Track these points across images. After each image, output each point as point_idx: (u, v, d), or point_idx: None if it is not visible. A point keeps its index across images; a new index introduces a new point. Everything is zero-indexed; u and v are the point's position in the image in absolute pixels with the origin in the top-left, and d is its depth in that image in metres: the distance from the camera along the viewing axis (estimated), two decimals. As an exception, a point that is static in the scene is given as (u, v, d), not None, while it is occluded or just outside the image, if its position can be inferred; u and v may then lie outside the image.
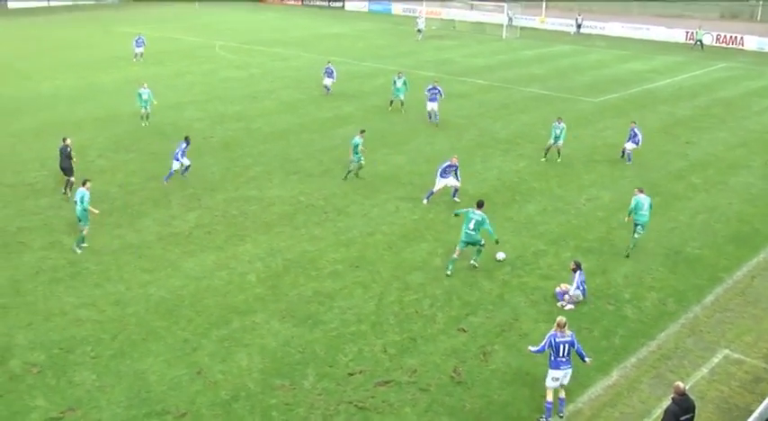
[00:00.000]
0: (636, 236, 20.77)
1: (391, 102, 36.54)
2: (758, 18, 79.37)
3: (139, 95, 32.75)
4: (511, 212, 23.60)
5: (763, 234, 22.54)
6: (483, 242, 19.46)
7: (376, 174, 26.98)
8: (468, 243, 19.29)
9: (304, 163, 28.16)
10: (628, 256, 20.65)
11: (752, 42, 61.31)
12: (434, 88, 33.89)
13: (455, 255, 19.37)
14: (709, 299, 18.64)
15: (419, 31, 63.49)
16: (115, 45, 55.51)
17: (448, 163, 24.12)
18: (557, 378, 13.75)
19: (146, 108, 32.75)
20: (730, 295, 18.85)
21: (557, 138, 28.58)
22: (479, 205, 19.50)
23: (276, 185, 25.72)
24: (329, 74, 39.78)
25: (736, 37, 62.20)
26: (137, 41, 49.82)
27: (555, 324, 13.82)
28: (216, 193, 24.90)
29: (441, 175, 24.04)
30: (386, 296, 18.40)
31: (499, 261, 20.09)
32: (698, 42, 61.44)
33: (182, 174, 26.05)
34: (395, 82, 36.27)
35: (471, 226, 19.14)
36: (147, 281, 18.98)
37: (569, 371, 13.81)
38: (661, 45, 63.07)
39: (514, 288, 18.87)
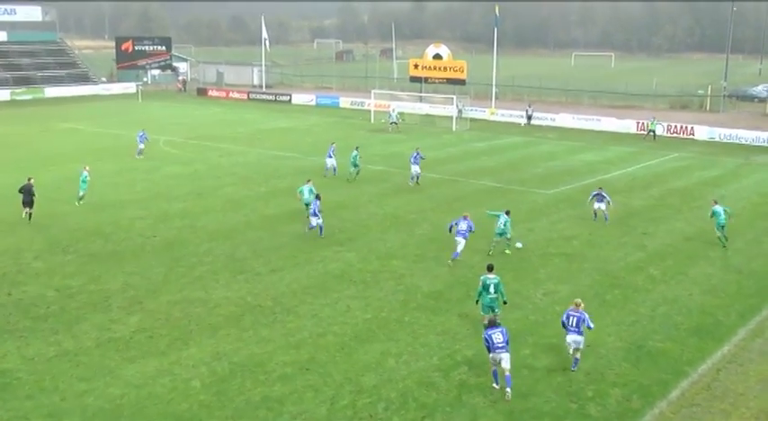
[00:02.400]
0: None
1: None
2: (707, 108, 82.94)
3: (83, 180, 36.12)
4: (465, 308, 23.69)
5: (726, 325, 22.96)
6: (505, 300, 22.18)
7: (326, 271, 27.02)
8: (491, 308, 21.68)
9: (251, 262, 28.12)
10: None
11: (702, 132, 63.79)
12: (417, 154, 42.58)
13: (485, 321, 20.76)
14: (674, 394, 18.78)
15: (393, 123, 65.31)
16: (54, 142, 55.51)
17: (461, 219, 28.67)
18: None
19: (84, 190, 36.24)
20: (696, 389, 19.02)
21: (502, 232, 29.26)
22: (490, 269, 22.01)
23: (222, 286, 25.56)
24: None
25: (686, 127, 64.72)
26: (140, 137, 50.36)
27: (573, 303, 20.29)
28: (159, 295, 24.62)
29: (458, 235, 28.29)
30: (338, 400, 18.17)
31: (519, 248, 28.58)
32: (650, 132, 63.72)
33: (319, 233, 31.32)
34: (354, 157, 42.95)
35: (492, 291, 21.65)
36: (84, 390, 18.49)
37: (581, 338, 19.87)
38: (612, 136, 65.27)
39: (472, 388, 18.80)
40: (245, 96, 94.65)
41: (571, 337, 20.00)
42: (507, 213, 29.73)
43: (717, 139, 62.58)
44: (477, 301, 22.31)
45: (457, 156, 52.71)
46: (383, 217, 35.13)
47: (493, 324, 18.80)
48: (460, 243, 28.03)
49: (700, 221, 35.22)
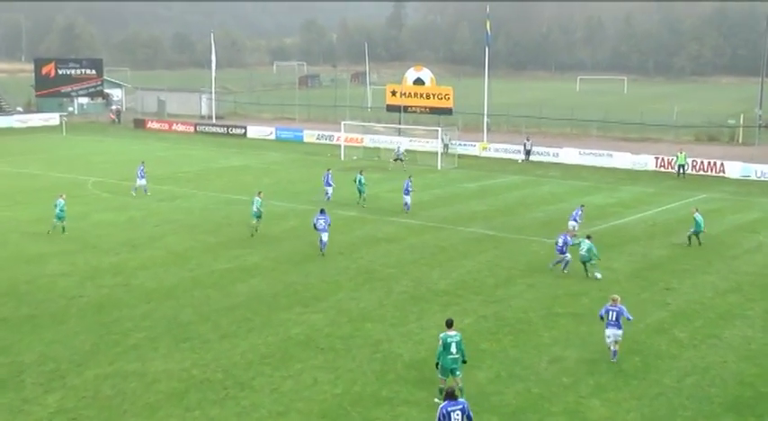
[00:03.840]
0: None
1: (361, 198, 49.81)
2: (739, 140, 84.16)
3: (55, 207, 40.99)
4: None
5: (768, 398, 23.08)
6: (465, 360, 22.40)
7: (288, 337, 26.85)
8: (452, 371, 21.85)
9: (198, 326, 27.88)
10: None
11: (734, 169, 64.67)
12: (408, 182, 48.45)
13: (442, 385, 21.50)
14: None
15: (399, 160, 66.38)
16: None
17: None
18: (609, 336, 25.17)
19: (61, 221, 40.99)
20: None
21: (587, 259, 33.47)
22: (450, 325, 22.21)
23: (162, 356, 25.28)
24: (327, 182, 50.56)
25: (715, 163, 65.59)
26: (140, 172, 51.93)
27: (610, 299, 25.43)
28: (85, 369, 24.28)
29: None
30: (304, 495, 17.91)
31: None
32: (680, 168, 64.45)
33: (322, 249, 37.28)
34: (357, 180, 50.38)
35: (454, 350, 21.79)
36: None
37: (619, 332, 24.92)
38: (627, 173, 66.00)
39: (467, 478, 18.62)
40: (191, 129, 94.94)
41: (611, 331, 25.25)
42: (589, 238, 34.41)
43: (752, 177, 63.47)
44: (436, 364, 22.31)
45: (443, 199, 52.94)
46: (356, 271, 35.09)
47: (452, 396, 18.12)
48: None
49: (734, 274, 35.47)
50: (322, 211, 38.66)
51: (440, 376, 22.15)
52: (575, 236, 36.61)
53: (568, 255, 35.10)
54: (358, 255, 37.78)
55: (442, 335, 22.18)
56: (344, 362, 24.85)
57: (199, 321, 28.47)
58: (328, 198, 50.31)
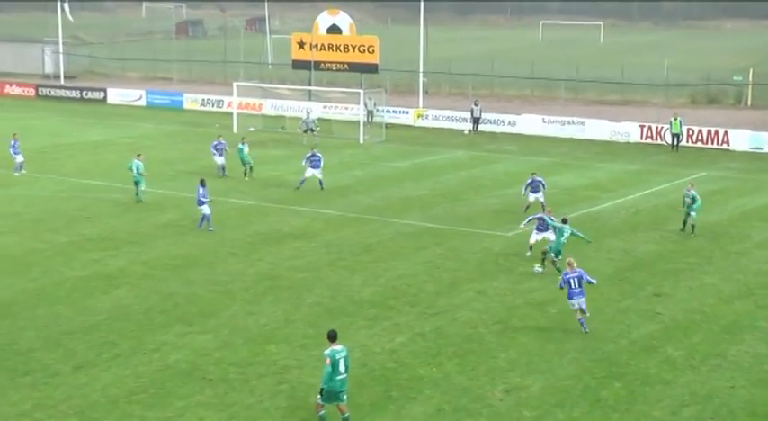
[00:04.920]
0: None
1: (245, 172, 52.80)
2: (748, 103, 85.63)
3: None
4: (385, 418, 23.66)
5: (787, 432, 23.51)
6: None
7: (165, 366, 26.62)
8: (339, 395, 22.40)
9: (43, 355, 27.48)
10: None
11: (741, 138, 65.87)
12: (314, 155, 50.10)
13: (321, 412, 22.34)
14: None
15: (309, 130, 66.04)
16: None
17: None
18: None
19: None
20: None
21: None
22: (333, 338, 22.61)
23: (-5, 394, 24.88)
24: (218, 151, 53.42)
25: (717, 132, 66.67)
26: (13, 147, 53.82)
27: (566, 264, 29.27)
28: None
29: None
30: None
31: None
32: (674, 138, 65.27)
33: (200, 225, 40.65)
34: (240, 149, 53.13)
35: (342, 369, 22.28)
36: None
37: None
38: (603, 146, 66.90)
39: None
40: (30, 92, 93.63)
41: (576, 300, 29.08)
42: (565, 222, 35.57)
43: (764, 149, 64.72)
44: (321, 391, 22.51)
45: (366, 182, 53.05)
46: (254, 277, 35.00)
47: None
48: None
49: (741, 274, 36.11)
50: (203, 184, 41.11)
51: (320, 401, 22.49)
52: (551, 218, 36.90)
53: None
54: (257, 257, 37.66)
55: (327, 351, 22.37)
56: (240, 396, 24.68)
57: (44, 348, 28.03)
58: (223, 171, 53.33)
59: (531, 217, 38.45)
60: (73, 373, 26.24)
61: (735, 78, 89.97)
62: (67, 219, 43.46)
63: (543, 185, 44.66)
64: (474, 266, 36.78)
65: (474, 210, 46.50)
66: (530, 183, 44.32)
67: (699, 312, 31.80)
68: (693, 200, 41.42)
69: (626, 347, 28.47)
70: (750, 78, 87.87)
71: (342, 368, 22.29)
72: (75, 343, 28.44)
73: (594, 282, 29.84)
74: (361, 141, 67.42)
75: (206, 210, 41.41)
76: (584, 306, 29.26)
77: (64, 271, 35.67)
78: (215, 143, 54.39)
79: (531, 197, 44.21)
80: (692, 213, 41.34)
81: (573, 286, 28.98)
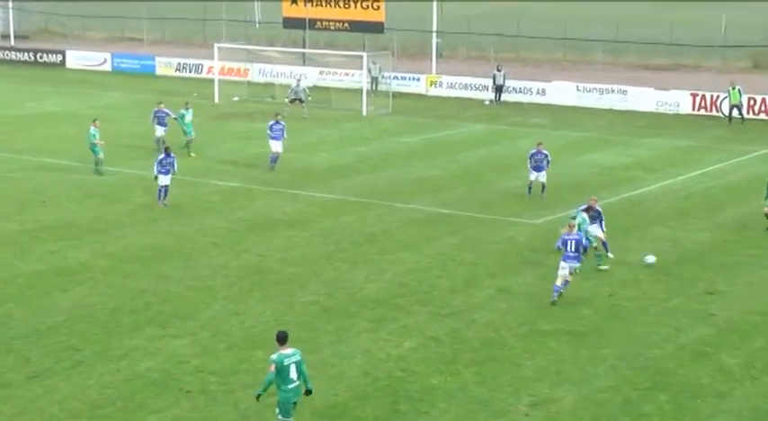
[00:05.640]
0: None
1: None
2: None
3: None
4: (392, 434, 23.84)
5: None
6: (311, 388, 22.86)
7: (135, 375, 26.63)
8: (292, 406, 22.30)
9: (-6, 361, 27.62)
10: None
11: (813, 110, 65.69)
12: (277, 124, 50.61)
13: None
14: None
15: (297, 100, 65.99)
16: None
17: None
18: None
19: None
20: None
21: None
22: (283, 340, 22.45)
23: (-62, 407, 25.03)
24: (160, 120, 53.39)
25: (783, 101, 66.53)
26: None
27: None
28: None
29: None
30: None
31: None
32: (733, 110, 65.12)
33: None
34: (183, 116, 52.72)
35: (294, 375, 22.21)
36: None
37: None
38: (649, 119, 66.84)
39: None
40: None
41: (568, 263, 31.85)
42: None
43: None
44: (258, 397, 22.49)
45: (371, 161, 53.17)
46: (239, 272, 35.10)
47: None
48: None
49: (810, 269, 36.19)
50: (168, 153, 42.95)
51: (281, 417, 22.41)
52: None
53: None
54: (242, 248, 37.78)
55: (274, 356, 22.24)
56: (222, 410, 24.73)
57: (-4, 353, 28.18)
58: (163, 143, 52.00)
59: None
60: (26, 384, 26.20)
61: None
62: (20, 204, 43.51)
63: (548, 162, 44.88)
64: (495, 259, 36.84)
65: (496, 193, 46.58)
66: (532, 156, 44.74)
67: (759, 313, 31.81)
68: None
69: (673, 354, 28.53)
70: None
71: (293, 374, 22.26)
72: (28, 348, 28.41)
73: (588, 245, 33.53)
74: (365, 113, 67.48)
75: (164, 180, 42.50)
76: (576, 271, 32.19)
77: (16, 264, 35.69)
78: (156, 111, 54.57)
79: (533, 175, 44.63)
80: None
81: (569, 249, 31.85)
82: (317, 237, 39.25)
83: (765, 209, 39.99)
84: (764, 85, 73.46)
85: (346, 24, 76.08)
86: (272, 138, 50.60)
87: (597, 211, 35.91)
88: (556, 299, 31.77)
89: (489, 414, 24.81)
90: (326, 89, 73.87)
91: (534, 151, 44.69)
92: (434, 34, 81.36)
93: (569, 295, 32.86)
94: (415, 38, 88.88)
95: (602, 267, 35.19)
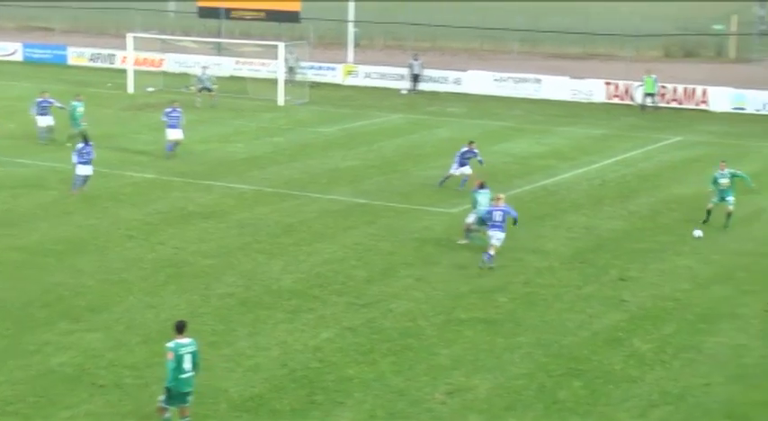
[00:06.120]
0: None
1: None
2: (730, 55, 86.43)
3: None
4: (315, 428, 23.82)
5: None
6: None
7: (48, 370, 26.33)
8: (185, 396, 22.42)
9: None
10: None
11: (722, 97, 66.70)
12: (174, 111, 50.56)
13: (166, 415, 22.55)
14: None
15: (205, 89, 66.11)
16: None
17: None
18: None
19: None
20: None
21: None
22: (180, 329, 22.57)
23: None
24: (42, 110, 52.83)
25: (694, 90, 67.49)
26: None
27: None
28: None
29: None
30: None
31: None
32: (647, 98, 65.92)
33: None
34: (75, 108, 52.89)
35: (189, 366, 22.33)
36: None
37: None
38: (564, 108, 67.42)
39: None
40: None
41: (495, 233, 34.25)
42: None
43: (747, 110, 65.56)
44: (167, 390, 22.48)
45: (287, 152, 53.15)
46: (154, 264, 34.90)
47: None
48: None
49: (720, 254, 36.66)
50: (86, 142, 42.98)
51: (163, 404, 22.54)
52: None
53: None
54: (157, 240, 37.59)
55: (171, 344, 22.43)
56: (137, 405, 24.49)
57: None
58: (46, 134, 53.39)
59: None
60: None
61: (715, 27, 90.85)
62: None
63: (480, 161, 45.17)
64: (412, 249, 36.96)
65: (412, 183, 46.75)
66: (463, 154, 44.77)
67: (671, 299, 32.22)
68: (732, 180, 39.93)
69: (587, 340, 28.78)
70: (733, 27, 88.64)
71: (188, 365, 22.35)
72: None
73: (517, 215, 34.96)
74: (281, 103, 67.35)
75: (85, 170, 42.63)
76: (501, 242, 34.16)
77: None
78: (39, 101, 53.60)
79: (457, 170, 44.57)
80: (729, 198, 39.58)
81: (495, 218, 34.29)
82: (233, 229, 39.16)
83: (709, 204, 39.97)
84: (676, 73, 74.38)
85: (262, 13, 76.00)
86: (169, 125, 50.77)
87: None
88: (485, 263, 33.96)
89: (406, 403, 24.84)
90: (242, 79, 73.62)
91: (465, 149, 44.78)
92: (351, 24, 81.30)
93: (485, 284, 33.13)
94: (331, 27, 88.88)
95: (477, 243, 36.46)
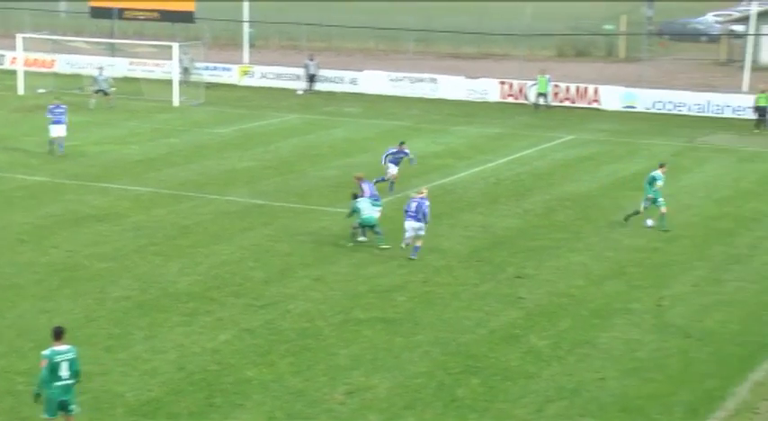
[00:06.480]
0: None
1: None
2: (620, 55, 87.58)
3: None
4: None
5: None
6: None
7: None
8: (64, 405, 21.80)
9: None
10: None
11: (613, 96, 67.58)
12: (57, 108, 50.57)
13: None
14: None
15: (100, 91, 65.45)
16: None
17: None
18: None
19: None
20: None
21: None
22: (59, 335, 21.96)
23: None
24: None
25: (586, 89, 68.27)
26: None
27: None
28: None
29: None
30: None
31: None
32: (541, 97, 66.59)
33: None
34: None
35: (65, 373, 21.72)
36: None
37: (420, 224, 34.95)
38: (459, 107, 67.80)
39: None
40: None
41: (409, 224, 34.86)
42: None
43: (638, 108, 66.50)
44: (36, 397, 22.16)
45: (183, 153, 52.89)
46: (48, 268, 34.46)
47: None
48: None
49: (613, 251, 37.13)
50: None
51: (45, 415, 21.98)
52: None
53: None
54: (51, 244, 37.12)
55: (46, 352, 21.84)
56: (32, 411, 23.84)
57: None
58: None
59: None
60: None
61: (605, 27, 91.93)
62: None
63: (411, 160, 45.45)
64: (309, 249, 36.94)
65: (309, 183, 46.75)
66: (394, 154, 44.77)
67: (566, 295, 32.56)
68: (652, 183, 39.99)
69: (485, 338, 28.94)
70: (622, 27, 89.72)
71: (65, 372, 21.79)
72: None
73: (429, 220, 35.44)
74: (176, 104, 66.97)
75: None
76: (421, 232, 35.14)
77: None
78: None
79: (394, 169, 44.57)
80: (661, 199, 39.47)
81: (410, 209, 35.10)
82: (128, 231, 38.82)
83: (644, 204, 39.71)
84: (568, 72, 75.20)
85: (156, 14, 75.39)
86: (54, 122, 50.48)
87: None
88: (416, 257, 35.27)
89: (305, 404, 24.82)
90: (136, 80, 73.06)
91: (396, 150, 44.80)
92: (246, 24, 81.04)
93: (383, 283, 33.22)
94: (226, 27, 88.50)
95: (383, 246, 36.50)
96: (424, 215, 34.97)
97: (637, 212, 39.64)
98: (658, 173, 39.47)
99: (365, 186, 37.87)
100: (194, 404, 24.59)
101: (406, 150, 44.83)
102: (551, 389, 25.74)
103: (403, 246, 35.46)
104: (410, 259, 34.86)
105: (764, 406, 24.77)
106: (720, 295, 32.81)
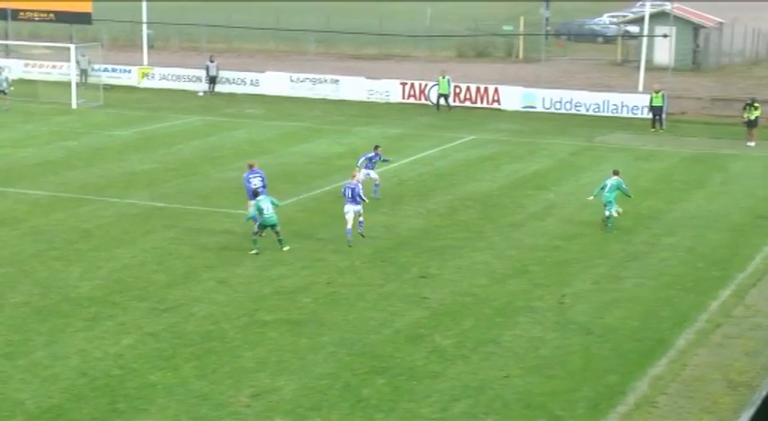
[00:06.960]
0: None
1: None
2: (519, 55, 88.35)
3: None
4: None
5: (565, 426, 24.54)
6: None
7: None
8: None
9: None
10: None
11: (513, 96, 68.14)
12: None
13: None
14: None
15: (1, 92, 64.76)
16: None
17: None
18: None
19: None
20: None
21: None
22: None
23: None
24: None
25: (486, 89, 68.76)
26: None
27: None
28: None
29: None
30: None
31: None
32: (442, 98, 67.01)
33: None
34: None
35: None
36: None
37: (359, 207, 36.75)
38: (361, 108, 67.96)
39: None
40: None
41: (350, 207, 36.83)
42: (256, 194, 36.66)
43: (538, 108, 67.21)
44: None
45: (82, 156, 52.43)
46: (-56, 274, 34.02)
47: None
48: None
49: (515, 250, 37.37)
50: None
51: None
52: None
53: None
54: (-54, 249, 36.68)
55: None
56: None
57: None
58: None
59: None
60: None
61: (504, 28, 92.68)
62: None
63: (384, 160, 45.52)
64: (213, 251, 36.74)
65: (212, 185, 46.55)
66: (370, 158, 44.24)
67: (469, 294, 32.69)
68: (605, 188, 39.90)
69: (390, 338, 29.00)
70: (521, 28, 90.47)
71: None
72: None
73: (366, 199, 37.44)
74: (74, 106, 66.34)
75: None
76: (361, 211, 37.05)
77: None
78: None
79: (372, 174, 43.95)
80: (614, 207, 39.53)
81: (348, 196, 36.93)
82: (27, 236, 38.34)
83: (609, 211, 39.48)
84: (469, 73, 75.69)
85: (51, 15, 74.52)
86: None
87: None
88: (351, 242, 36.98)
89: (210, 407, 24.71)
90: (33, 82, 72.24)
91: (372, 155, 44.37)
92: (145, 26, 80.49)
93: (287, 285, 33.14)
94: (125, 29, 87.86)
95: (285, 248, 36.61)
96: (360, 196, 36.95)
97: (609, 217, 39.47)
98: (615, 179, 39.42)
99: (254, 177, 38.57)
100: (97, 410, 24.33)
101: (379, 153, 44.66)
102: (456, 388, 25.83)
103: (350, 245, 36.81)
104: (362, 236, 37.19)
105: (663, 399, 25.07)
106: (620, 292, 33.15)
